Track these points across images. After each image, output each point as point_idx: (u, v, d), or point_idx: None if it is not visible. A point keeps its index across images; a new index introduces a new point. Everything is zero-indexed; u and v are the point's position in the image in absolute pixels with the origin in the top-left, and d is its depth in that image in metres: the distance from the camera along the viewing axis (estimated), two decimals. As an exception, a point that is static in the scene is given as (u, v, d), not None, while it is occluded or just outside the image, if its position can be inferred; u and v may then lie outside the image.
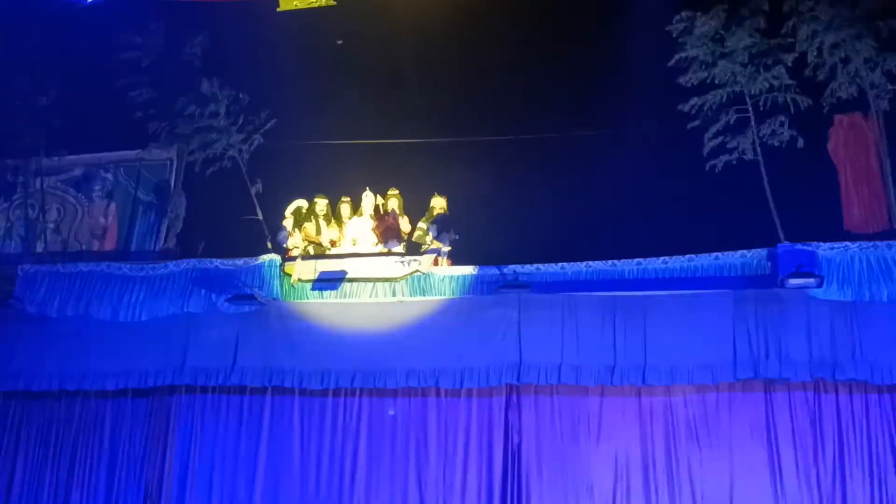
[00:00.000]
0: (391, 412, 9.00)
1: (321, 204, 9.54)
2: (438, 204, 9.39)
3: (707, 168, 8.97)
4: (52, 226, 10.18)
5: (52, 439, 9.41)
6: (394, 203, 9.51)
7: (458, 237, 9.21)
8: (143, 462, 9.21)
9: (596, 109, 9.33)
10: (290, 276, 9.30)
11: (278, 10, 9.17)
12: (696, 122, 9.03)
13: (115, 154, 10.28)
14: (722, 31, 8.94)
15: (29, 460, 9.40)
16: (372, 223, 9.47)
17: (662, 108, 9.11)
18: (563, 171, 9.37)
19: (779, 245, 8.47)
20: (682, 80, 9.04)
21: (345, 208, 9.56)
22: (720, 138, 8.96)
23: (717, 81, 8.99)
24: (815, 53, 8.89)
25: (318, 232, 9.46)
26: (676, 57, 9.04)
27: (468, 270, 9.09)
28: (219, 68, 9.74)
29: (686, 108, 9.02)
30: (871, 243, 8.43)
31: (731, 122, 8.96)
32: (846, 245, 8.44)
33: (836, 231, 8.69)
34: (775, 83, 8.89)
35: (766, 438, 8.42)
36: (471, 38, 9.63)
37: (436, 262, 9.20)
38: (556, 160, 9.44)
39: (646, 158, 9.02)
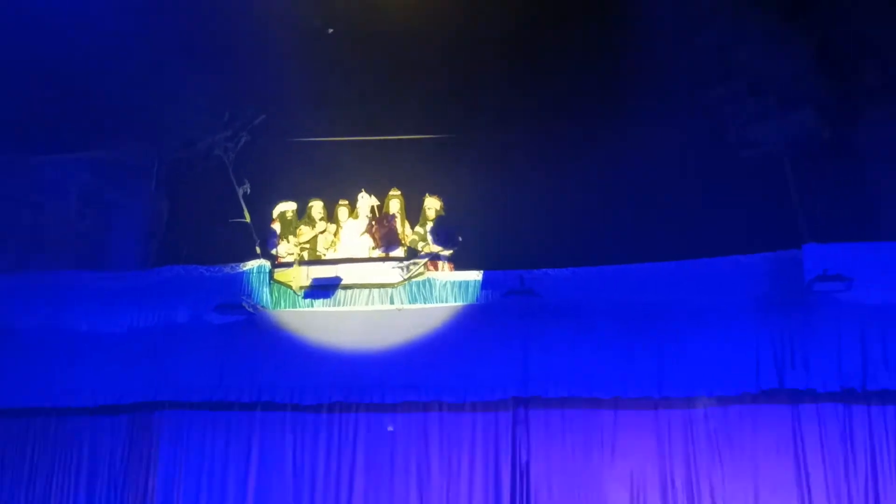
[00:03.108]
0: (390, 428, 8.88)
1: (317, 206, 9.49)
2: (432, 205, 9.33)
3: (727, 163, 8.92)
4: (25, 232, 10.07)
5: (27, 461, 9.26)
6: (395, 205, 9.40)
7: (461, 239, 9.15)
8: (125, 484, 9.08)
9: (605, 101, 9.31)
10: (281, 283, 9.23)
11: (266, -5, 9.21)
12: (715, 113, 8.97)
13: (89, 154, 10.19)
14: (741, 13, 8.85)
15: (2, 481, 9.24)
16: (369, 226, 9.36)
17: (677, 99, 9.08)
18: (573, 167, 9.31)
19: (804, 245, 8.32)
20: (698, 67, 8.95)
21: (342, 212, 9.50)
22: (742, 131, 8.91)
23: (736, 69, 8.95)
24: (842, 36, 8.81)
25: (314, 237, 9.45)
26: (694, 45, 8.96)
27: (472, 276, 8.99)
28: (203, 59, 9.62)
29: (704, 98, 8.97)
30: (906, 243, 8.24)
31: (753, 112, 8.89)
32: (877, 245, 8.31)
33: (866, 230, 8.70)
34: (801, 70, 8.81)
35: (793, 454, 8.30)
36: (472, 30, 9.69)
37: (435, 267, 9.16)
38: (565, 156, 9.42)
39: (660, 152, 9.00)
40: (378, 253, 9.18)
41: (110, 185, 10.10)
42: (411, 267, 9.05)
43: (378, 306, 9.02)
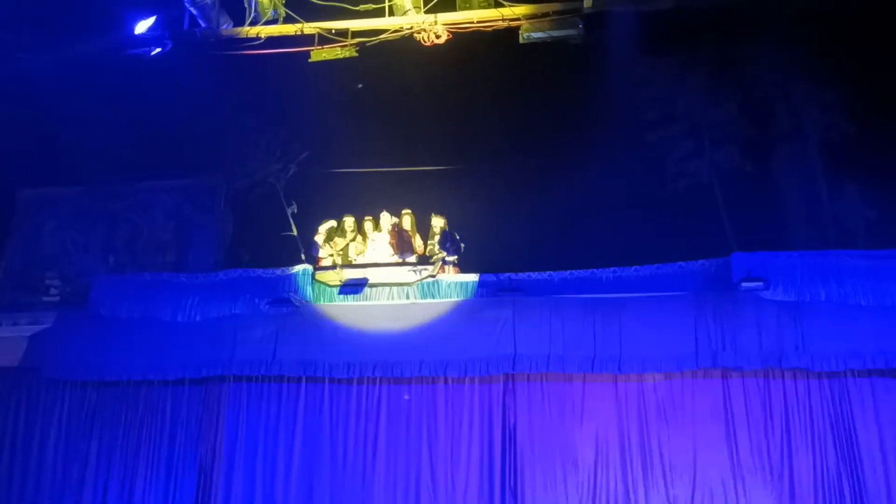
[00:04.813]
0: (406, 397, 9.16)
1: (349, 221, 9.86)
2: (438, 223, 9.66)
3: (670, 189, 9.65)
4: (122, 241, 10.48)
5: (122, 422, 9.65)
6: (407, 221, 9.83)
7: (464, 244, 9.43)
8: (198, 441, 9.40)
9: (574, 143, 9.65)
10: (321, 282, 9.53)
11: (310, 61, 9.38)
12: (661, 151, 9.72)
13: (174, 182, 10.63)
14: (679, 71, 9.43)
15: (102, 440, 9.63)
16: (389, 238, 9.80)
17: (632, 140, 9.59)
18: (550, 193, 9.77)
19: (732, 254, 8.78)
20: (645, 114, 9.68)
21: (368, 226, 9.91)
22: (681, 164, 9.64)
23: (677, 115, 9.67)
24: (760, 89, 9.40)
25: (346, 246, 9.80)
26: (642, 96, 9.75)
27: (471, 277, 9.35)
28: (260, 109, 10.21)
29: (652, 138, 9.68)
30: (810, 252, 8.77)
31: (690, 149, 9.59)
32: (789, 254, 8.75)
33: (780, 241, 9.09)
34: (727, 116, 9.50)
35: (723, 418, 8.66)
36: (469, 90, 10.04)
37: (443, 270, 9.48)
38: (543, 184, 9.83)
39: (617, 182, 9.48)
40: (396, 259, 9.56)
41: (189, 205, 10.41)
42: (422, 270, 9.35)
43: (397, 301, 9.34)
